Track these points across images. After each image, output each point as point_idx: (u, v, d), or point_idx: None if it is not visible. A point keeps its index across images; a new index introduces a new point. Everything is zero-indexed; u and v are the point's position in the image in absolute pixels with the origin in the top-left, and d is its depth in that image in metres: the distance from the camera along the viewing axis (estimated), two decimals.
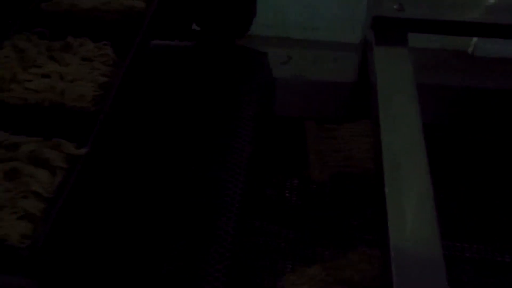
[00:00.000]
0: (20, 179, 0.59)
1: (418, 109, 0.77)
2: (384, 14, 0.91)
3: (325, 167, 0.88)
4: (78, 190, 0.60)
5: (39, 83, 0.70)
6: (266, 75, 1.07)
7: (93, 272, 0.67)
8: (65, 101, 0.68)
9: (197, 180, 0.83)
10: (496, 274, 0.87)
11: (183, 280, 0.71)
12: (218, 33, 1.12)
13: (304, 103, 1.21)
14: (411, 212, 0.66)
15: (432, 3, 0.95)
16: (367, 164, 0.84)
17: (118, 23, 0.83)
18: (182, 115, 0.93)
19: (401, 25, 0.91)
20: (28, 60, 0.74)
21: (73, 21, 0.83)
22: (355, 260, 0.79)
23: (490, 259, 0.88)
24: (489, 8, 0.95)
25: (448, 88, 1.25)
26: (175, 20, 1.06)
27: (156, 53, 1.02)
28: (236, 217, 0.78)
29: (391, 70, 0.84)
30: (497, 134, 1.12)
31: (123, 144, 0.79)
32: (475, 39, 1.27)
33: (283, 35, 1.38)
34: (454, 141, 1.12)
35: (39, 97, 0.68)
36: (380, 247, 0.75)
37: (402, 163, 0.70)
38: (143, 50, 0.80)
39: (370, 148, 0.86)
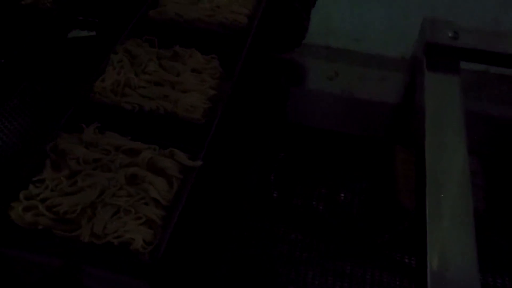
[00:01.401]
0: (141, 185, 0.61)
1: (464, 137, 0.77)
2: (438, 41, 0.90)
3: (414, 193, 0.88)
4: (192, 200, 0.62)
5: (153, 90, 0.73)
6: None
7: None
8: (178, 110, 0.71)
9: None
10: None
11: None
12: (270, 48, 1.15)
13: (346, 119, 1.22)
14: (450, 239, 0.66)
15: (486, 33, 0.95)
16: None
17: (222, 36, 0.86)
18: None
19: (454, 53, 0.90)
20: (139, 65, 0.78)
21: (179, 30, 0.86)
22: None
23: None
24: None
25: (493, 117, 1.22)
26: None
27: None
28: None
29: (441, 97, 0.84)
30: None
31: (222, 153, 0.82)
32: None
33: (331, 45, 1.36)
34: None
35: (153, 104, 0.71)
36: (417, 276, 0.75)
37: (446, 190, 0.71)
38: (248, 65, 0.82)
39: None
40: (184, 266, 0.69)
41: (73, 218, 0.58)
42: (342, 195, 0.97)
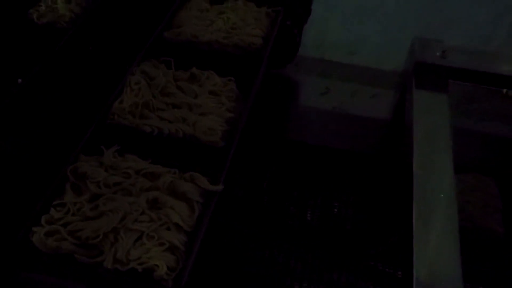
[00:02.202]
0: (162, 210, 0.61)
1: (451, 155, 0.79)
2: (427, 60, 0.93)
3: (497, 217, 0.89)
4: (214, 224, 0.62)
5: (172, 113, 0.73)
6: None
7: None
8: (196, 133, 0.71)
9: None
10: None
11: None
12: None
13: (338, 135, 1.24)
14: (436, 254, 0.68)
15: (475, 52, 0.97)
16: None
17: (237, 57, 0.86)
18: None
19: (443, 72, 0.92)
20: (157, 87, 0.78)
21: (195, 51, 0.86)
22: None
23: None
24: None
25: (483, 134, 1.22)
26: None
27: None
28: None
29: (429, 115, 0.86)
30: None
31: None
32: None
33: (324, 57, 1.37)
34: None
35: (172, 127, 0.71)
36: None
37: (432, 207, 0.72)
38: (262, 87, 0.83)
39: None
40: None
41: (95, 243, 0.58)
42: (336, 206, 0.98)
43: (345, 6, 1.50)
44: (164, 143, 0.70)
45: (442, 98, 0.90)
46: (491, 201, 0.84)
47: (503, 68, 0.95)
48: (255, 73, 0.81)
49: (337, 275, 0.88)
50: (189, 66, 0.83)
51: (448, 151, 0.80)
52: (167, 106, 0.75)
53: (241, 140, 0.73)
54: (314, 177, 1.02)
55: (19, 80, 0.76)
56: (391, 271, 0.87)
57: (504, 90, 1.27)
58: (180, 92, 0.77)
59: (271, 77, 1.21)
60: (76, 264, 0.57)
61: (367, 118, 1.21)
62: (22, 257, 0.58)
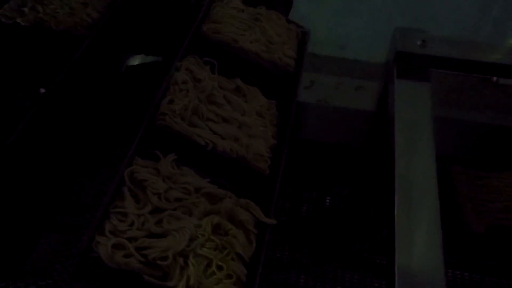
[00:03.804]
0: (226, 238, 0.62)
1: (433, 144, 0.79)
2: (407, 50, 0.92)
3: (482, 218, 0.89)
4: (265, 256, 0.64)
5: (224, 129, 0.72)
6: None
7: None
8: (248, 156, 0.71)
9: None
10: None
11: None
12: None
13: (324, 128, 1.27)
14: (418, 241, 0.69)
15: (455, 41, 0.97)
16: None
17: (277, 78, 0.86)
18: None
19: (424, 61, 0.92)
20: (203, 91, 0.75)
21: (237, 59, 0.84)
22: None
23: None
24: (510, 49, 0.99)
25: (470, 122, 1.23)
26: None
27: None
28: None
29: (410, 104, 0.86)
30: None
31: None
32: None
33: (315, 52, 1.38)
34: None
35: (226, 145, 0.70)
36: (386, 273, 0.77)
37: (414, 195, 0.73)
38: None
39: None
40: None
41: (163, 265, 0.57)
42: (328, 199, 1.01)
43: (332, 1, 1.50)
44: (218, 160, 0.69)
45: (424, 87, 0.89)
46: None
47: (483, 56, 0.94)
48: (292, 99, 0.83)
49: (333, 269, 0.91)
50: (229, 71, 0.81)
51: (429, 140, 0.80)
52: (217, 117, 0.73)
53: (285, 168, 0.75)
54: (304, 171, 1.03)
55: (42, 90, 0.69)
56: (379, 261, 0.90)
57: (495, 79, 1.29)
58: (227, 104, 0.76)
59: None
60: (144, 284, 0.55)
61: (353, 111, 1.20)
62: (84, 267, 0.54)
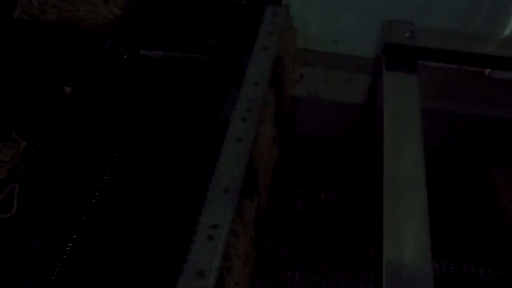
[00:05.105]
0: None
1: (421, 135, 0.80)
2: (395, 42, 0.92)
3: None
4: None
5: None
6: None
7: None
8: None
9: None
10: None
11: None
12: (234, 49, 1.19)
13: (315, 121, 1.26)
14: (406, 232, 0.70)
15: (443, 32, 0.97)
16: None
17: None
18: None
19: (412, 53, 0.92)
20: None
21: None
22: None
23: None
24: (500, 41, 0.99)
25: (461, 115, 1.25)
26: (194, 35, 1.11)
27: (173, 65, 1.05)
28: None
29: (398, 96, 0.86)
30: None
31: None
32: None
33: (309, 47, 1.41)
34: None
35: None
36: (374, 265, 0.78)
37: (401, 186, 0.74)
38: None
39: None
40: None
41: None
42: (322, 194, 1.01)
43: None
44: None
45: (412, 78, 0.89)
46: None
47: (472, 47, 0.95)
48: None
49: (328, 263, 0.93)
50: None
51: (417, 132, 0.80)
52: None
53: None
54: (297, 165, 1.03)
55: (67, 89, 0.68)
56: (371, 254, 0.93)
57: (487, 71, 1.28)
58: None
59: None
60: None
61: (343, 104, 1.21)
62: None
